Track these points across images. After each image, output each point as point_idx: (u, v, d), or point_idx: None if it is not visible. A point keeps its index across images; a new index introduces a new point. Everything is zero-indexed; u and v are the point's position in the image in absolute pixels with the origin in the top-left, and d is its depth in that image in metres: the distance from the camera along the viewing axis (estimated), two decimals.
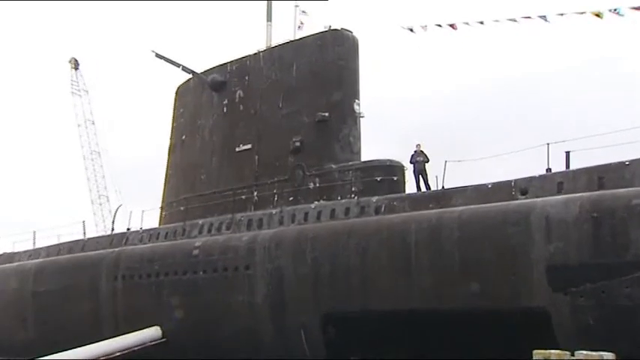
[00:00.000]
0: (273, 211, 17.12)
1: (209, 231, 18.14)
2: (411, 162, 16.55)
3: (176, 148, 20.81)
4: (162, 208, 20.82)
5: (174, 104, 21.34)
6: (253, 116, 18.43)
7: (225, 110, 19.13)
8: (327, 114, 17.06)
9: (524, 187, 13.69)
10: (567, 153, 13.81)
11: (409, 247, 13.79)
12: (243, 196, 17.90)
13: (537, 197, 13.13)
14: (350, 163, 16.82)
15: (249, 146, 18.25)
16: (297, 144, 17.22)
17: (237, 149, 18.49)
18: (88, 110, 37.56)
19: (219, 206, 18.29)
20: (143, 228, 20.32)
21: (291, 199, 17.11)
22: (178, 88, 21.40)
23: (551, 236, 12.23)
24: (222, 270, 16.71)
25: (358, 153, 17.39)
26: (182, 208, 19.27)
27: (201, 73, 20.03)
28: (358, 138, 17.45)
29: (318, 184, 16.79)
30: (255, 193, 17.81)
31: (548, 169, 14.01)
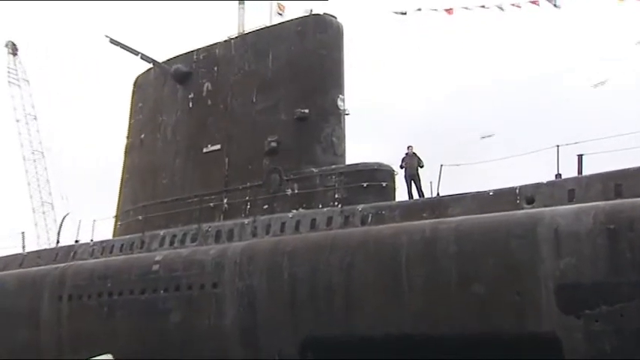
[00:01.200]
0: (245, 221, 17.15)
1: (171, 243, 18.16)
2: (401, 166, 16.59)
3: (134, 148, 20.80)
4: (116, 217, 20.80)
5: (132, 98, 21.33)
6: (223, 112, 18.48)
7: (190, 105, 19.21)
8: (307, 110, 17.14)
9: (530, 194, 13.76)
10: (580, 156, 13.93)
11: (400, 263, 13.86)
12: (211, 204, 17.92)
13: (545, 206, 13.21)
14: (333, 166, 16.86)
15: (218, 147, 18.33)
16: (273, 144, 17.28)
17: (204, 150, 18.56)
18: (29, 103, 36.74)
19: (184, 215, 18.33)
20: (94, 240, 20.25)
21: (265, 207, 17.16)
22: (137, 79, 21.37)
23: (561, 251, 12.30)
24: (185, 288, 16.74)
25: (342, 155, 17.49)
26: (140, 218, 19.24)
27: (164, 62, 20.03)
28: (342, 138, 17.55)
29: (296, 191, 16.86)
30: (225, 201, 17.82)
31: (558, 175, 14.09)
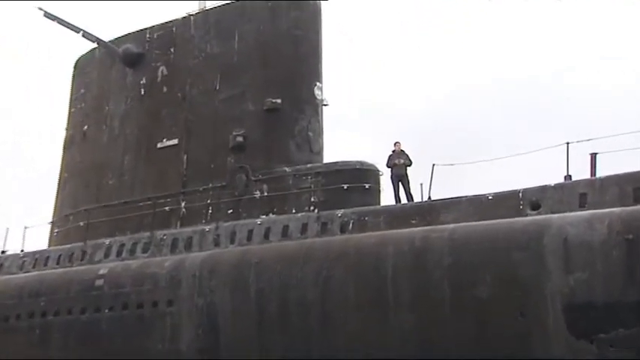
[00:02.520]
0: (207, 228, 17.11)
1: (119, 254, 18.09)
2: (388, 165, 16.65)
3: (74, 142, 20.75)
4: (53, 223, 20.68)
5: (73, 83, 21.30)
6: (181, 101, 18.48)
7: (142, 92, 19.18)
8: (279, 100, 17.19)
9: (535, 199, 13.86)
10: (593, 155, 14.04)
11: (385, 277, 13.92)
12: (167, 208, 17.91)
13: (553, 213, 13.30)
14: (309, 165, 16.91)
15: (174, 141, 18.32)
16: (239, 139, 17.30)
17: (158, 145, 18.53)
18: None
19: (134, 221, 18.24)
20: (25, 250, 20.15)
21: (230, 211, 17.15)
22: (78, 61, 21.30)
23: (570, 265, 12.37)
24: (135, 307, 16.66)
25: (320, 153, 17.54)
26: (82, 224, 19.12)
27: (110, 41, 19.98)
28: (320, 133, 17.60)
29: (266, 193, 16.88)
30: (183, 204, 17.83)
31: (568, 177, 14.16)
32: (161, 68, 18.88)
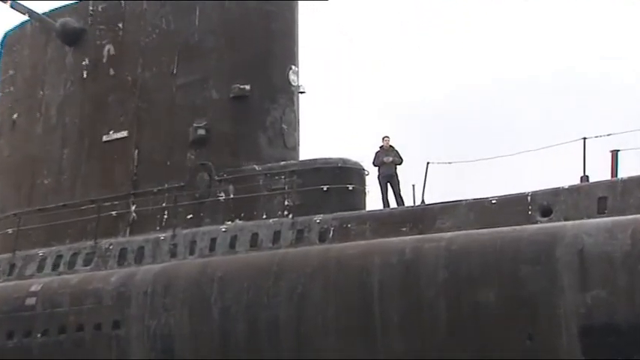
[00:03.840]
0: (161, 236, 17.06)
1: (55, 267, 17.90)
2: (374, 164, 16.71)
3: (1, 133, 20.60)
4: None
5: (1, 63, 21.14)
6: (131, 87, 18.36)
7: (85, 75, 19.04)
8: (247, 86, 17.19)
9: (546, 203, 13.95)
10: (614, 153, 14.19)
11: (370, 294, 13.97)
12: (114, 212, 17.82)
13: (567, 220, 13.42)
14: (282, 163, 16.92)
15: (123, 134, 18.23)
16: (201, 132, 17.25)
17: (104, 138, 18.42)
18: None
19: (74, 228, 18.11)
20: None
21: (189, 216, 17.09)
22: (6, 36, 21.11)
23: (588, 281, 12.44)
24: (74, 330, 16.52)
25: (295, 148, 17.59)
26: (10, 231, 18.96)
27: (45, 14, 19.77)
28: (296, 125, 17.63)
29: (232, 195, 16.83)
30: (133, 208, 17.76)
31: (585, 177, 14.25)
32: (107, 47, 18.80)
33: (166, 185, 17.49)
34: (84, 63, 19.12)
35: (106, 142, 18.38)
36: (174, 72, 17.84)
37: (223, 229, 16.55)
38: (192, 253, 16.59)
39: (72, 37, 19.25)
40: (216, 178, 17.06)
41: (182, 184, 17.36)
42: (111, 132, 18.40)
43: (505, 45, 41.93)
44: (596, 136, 14.20)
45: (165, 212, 17.36)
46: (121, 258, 17.25)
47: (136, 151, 18.00)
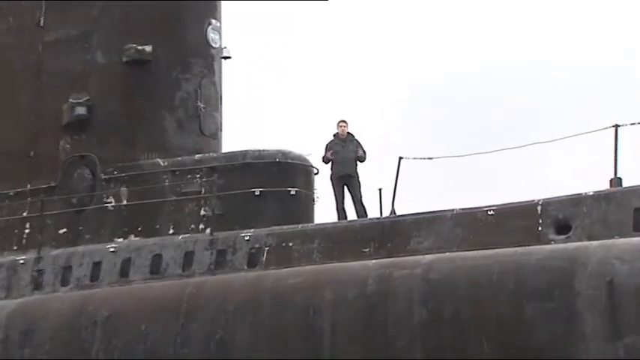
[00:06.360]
0: (20, 259, 15.85)
1: None
2: (324, 159, 15.39)
3: None
4: None
5: None
6: None
7: None
8: (148, 48, 15.92)
9: (562, 216, 12.93)
10: None
11: (319, 341, 13.17)
12: None
13: (591, 239, 12.50)
14: (198, 156, 15.90)
15: None
16: (81, 111, 15.96)
17: None
18: None
19: None
20: None
21: (63, 231, 15.95)
22: None
23: (619, 323, 11.55)
24: None
25: (216, 136, 16.65)
26: None
27: None
28: (217, 103, 16.63)
29: (125, 201, 15.74)
30: None
31: (617, 180, 13.17)
32: None
33: (29, 186, 16.23)
34: None
35: None
36: (41, 24, 16.46)
37: (112, 249, 15.34)
38: (65, 283, 15.43)
39: None
40: (103, 176, 15.89)
41: (52, 184, 16.14)
42: None
43: (492, 31, 43.65)
44: (632, 124, 13.10)
45: (27, 225, 16.11)
46: None
47: None
